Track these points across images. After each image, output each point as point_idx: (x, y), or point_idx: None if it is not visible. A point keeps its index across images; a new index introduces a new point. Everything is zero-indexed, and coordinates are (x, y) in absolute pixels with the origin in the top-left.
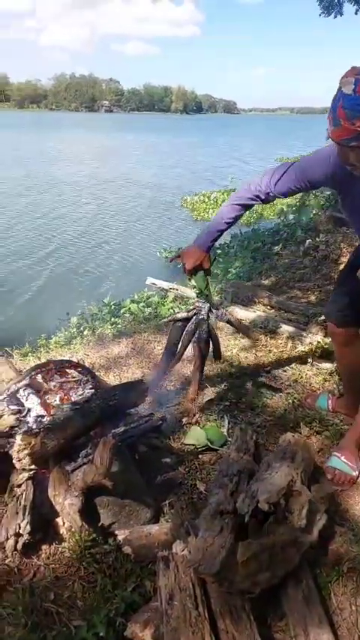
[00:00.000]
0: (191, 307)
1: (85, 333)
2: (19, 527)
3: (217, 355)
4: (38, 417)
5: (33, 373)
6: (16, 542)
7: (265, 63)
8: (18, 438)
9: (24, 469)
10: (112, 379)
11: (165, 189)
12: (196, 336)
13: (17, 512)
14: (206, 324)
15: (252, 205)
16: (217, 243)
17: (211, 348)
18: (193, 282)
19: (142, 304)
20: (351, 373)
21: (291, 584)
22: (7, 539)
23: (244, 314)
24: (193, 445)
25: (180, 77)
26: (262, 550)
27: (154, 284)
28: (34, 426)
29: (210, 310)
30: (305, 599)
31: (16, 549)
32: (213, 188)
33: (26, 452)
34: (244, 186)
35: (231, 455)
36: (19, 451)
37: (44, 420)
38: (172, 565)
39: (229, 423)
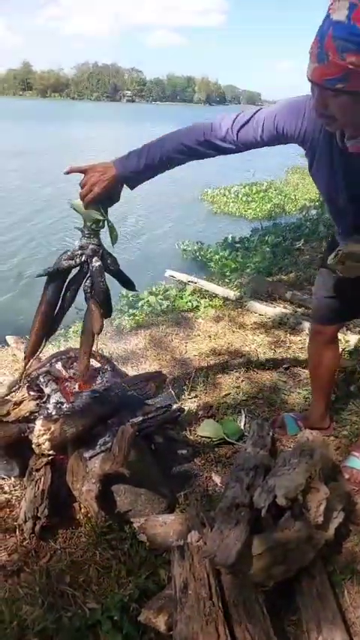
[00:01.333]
0: (77, 249)
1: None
2: (38, 511)
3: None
4: (58, 403)
5: (53, 360)
6: (34, 525)
7: (291, 53)
8: (38, 424)
9: (43, 454)
10: (129, 370)
11: (186, 183)
12: (91, 290)
13: (35, 496)
14: (102, 274)
15: (199, 153)
16: (237, 237)
17: None
18: (89, 212)
19: (159, 297)
20: (326, 380)
21: (305, 579)
22: (26, 521)
23: (263, 309)
24: (209, 438)
25: (204, 67)
26: (277, 544)
27: (172, 276)
28: (54, 413)
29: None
30: (319, 595)
31: (33, 532)
32: (234, 182)
33: (46, 437)
34: (196, 125)
35: (247, 449)
36: (38, 436)
37: (64, 406)
38: (187, 555)
39: (245, 418)
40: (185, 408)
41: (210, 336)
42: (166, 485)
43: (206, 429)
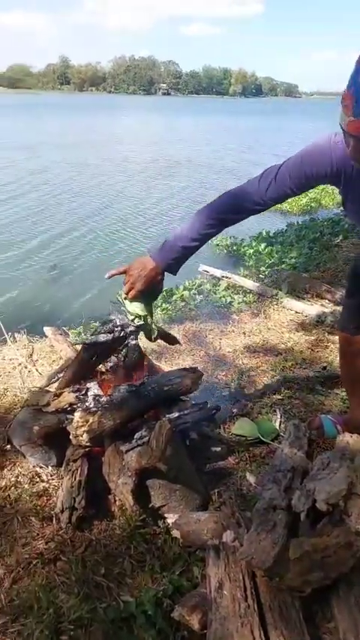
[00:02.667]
0: (117, 326)
1: None
2: (75, 502)
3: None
4: (96, 396)
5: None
6: (71, 515)
7: (329, 43)
8: (76, 415)
9: (80, 445)
10: (163, 365)
11: (227, 172)
12: (124, 359)
13: (72, 487)
14: (136, 350)
15: (234, 221)
16: (271, 231)
17: None
18: (132, 307)
19: (193, 291)
20: None
21: (343, 587)
22: (63, 511)
23: (300, 306)
24: (243, 436)
25: (241, 59)
26: (314, 550)
27: (206, 271)
28: (92, 405)
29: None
30: (357, 604)
31: (70, 522)
32: None
33: (84, 429)
34: (225, 196)
35: (284, 450)
36: (77, 428)
37: (102, 399)
38: (222, 555)
39: (281, 417)
40: (220, 405)
41: (245, 333)
42: (199, 482)
43: (241, 428)
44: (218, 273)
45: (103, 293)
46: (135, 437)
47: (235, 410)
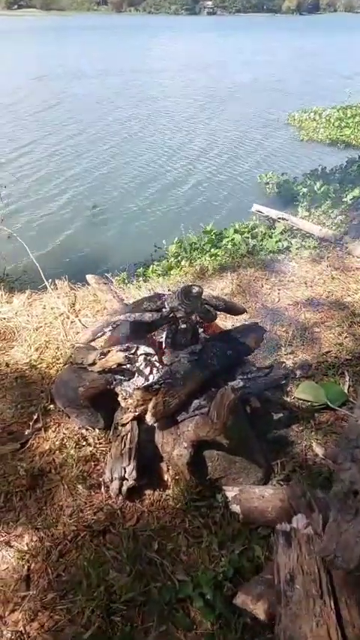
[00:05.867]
0: (167, 310)
1: (183, 263)
2: (125, 471)
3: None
4: (147, 355)
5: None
6: (121, 485)
7: None
8: (137, 394)
9: (128, 409)
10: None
11: (270, 105)
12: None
13: (122, 454)
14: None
15: None
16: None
17: None
18: None
19: (245, 235)
20: None
21: None
22: (112, 480)
23: None
24: (308, 401)
25: None
26: None
27: (260, 212)
28: (147, 371)
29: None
30: None
31: (120, 493)
32: (326, 104)
33: (150, 414)
34: None
35: (359, 421)
36: (136, 406)
37: (153, 359)
38: (294, 543)
39: (350, 380)
40: (282, 369)
41: (306, 283)
42: (261, 452)
43: (305, 392)
44: (274, 214)
45: (142, 237)
46: (192, 405)
47: (298, 372)
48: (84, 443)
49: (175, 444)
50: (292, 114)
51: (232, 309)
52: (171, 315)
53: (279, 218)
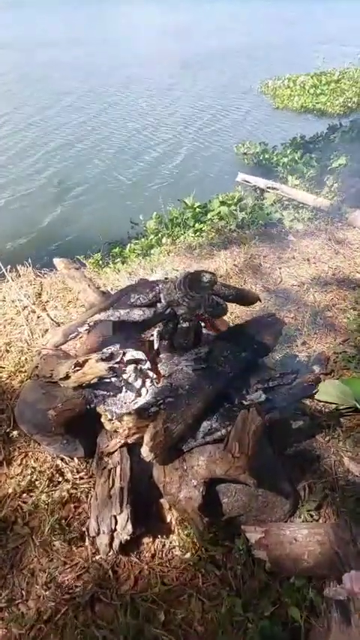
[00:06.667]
0: (164, 303)
1: (164, 240)
2: (116, 522)
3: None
4: (137, 362)
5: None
6: (112, 539)
7: None
8: (126, 420)
9: (116, 431)
10: None
11: (241, 72)
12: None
13: (111, 497)
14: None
15: None
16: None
17: None
18: None
19: (233, 207)
20: None
21: None
22: (99, 534)
23: None
24: (331, 403)
25: None
26: None
27: (246, 181)
28: (138, 385)
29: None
30: None
31: (111, 548)
32: (299, 71)
33: (146, 448)
34: None
35: None
36: (127, 436)
37: (145, 367)
38: (354, 619)
39: None
40: (297, 364)
41: (308, 260)
42: (286, 477)
43: (328, 392)
44: (262, 183)
45: (116, 212)
46: (201, 428)
47: (316, 367)
48: (59, 479)
49: (182, 484)
50: (266, 82)
51: (245, 299)
52: (168, 311)
53: (268, 187)
